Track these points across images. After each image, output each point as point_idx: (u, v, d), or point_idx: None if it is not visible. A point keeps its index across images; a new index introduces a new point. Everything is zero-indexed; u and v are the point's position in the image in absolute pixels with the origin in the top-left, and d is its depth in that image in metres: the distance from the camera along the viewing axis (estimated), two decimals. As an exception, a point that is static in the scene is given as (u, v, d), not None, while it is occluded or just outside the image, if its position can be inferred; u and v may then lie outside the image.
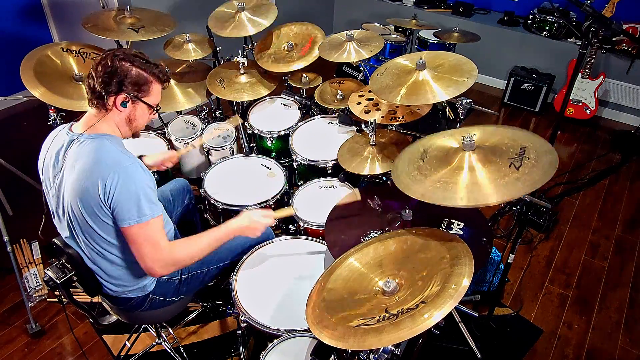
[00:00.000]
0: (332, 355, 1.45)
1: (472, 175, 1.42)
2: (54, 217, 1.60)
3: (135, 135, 1.64)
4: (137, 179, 1.44)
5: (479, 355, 2.04)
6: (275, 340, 1.60)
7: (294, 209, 2.01)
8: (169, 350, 2.12)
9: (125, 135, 1.60)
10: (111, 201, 1.42)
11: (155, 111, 1.61)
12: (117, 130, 1.56)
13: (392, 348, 1.30)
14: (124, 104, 1.50)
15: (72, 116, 1.91)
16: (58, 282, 1.56)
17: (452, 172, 1.46)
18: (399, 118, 2.27)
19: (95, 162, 1.43)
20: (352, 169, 2.11)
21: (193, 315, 2.32)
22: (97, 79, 1.46)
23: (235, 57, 2.78)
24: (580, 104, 3.97)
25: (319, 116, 2.78)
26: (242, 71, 2.78)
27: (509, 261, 1.93)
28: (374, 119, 2.11)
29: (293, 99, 2.84)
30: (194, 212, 2.30)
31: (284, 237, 2.02)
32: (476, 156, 1.47)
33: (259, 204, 2.23)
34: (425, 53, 2.22)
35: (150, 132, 2.78)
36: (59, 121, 2.43)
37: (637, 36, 3.81)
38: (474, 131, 1.56)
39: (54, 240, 1.60)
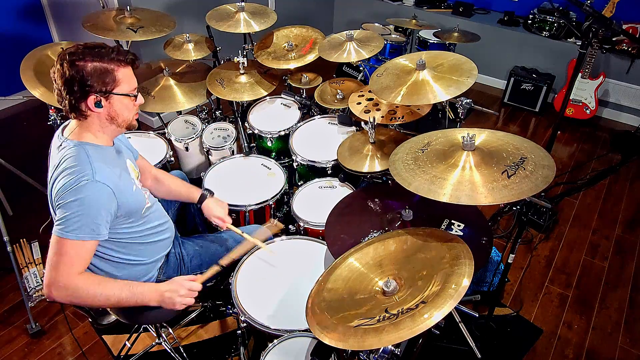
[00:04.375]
0: (332, 355, 1.45)
1: (463, 174, 1.44)
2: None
3: (129, 128, 1.54)
4: (92, 195, 1.35)
5: (479, 355, 2.03)
6: (275, 340, 1.59)
7: (219, 266, 1.76)
8: (169, 350, 2.12)
9: (115, 133, 1.53)
10: (56, 203, 1.37)
11: (134, 97, 1.49)
12: (101, 136, 1.48)
13: (392, 348, 1.30)
14: (97, 105, 1.41)
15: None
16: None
17: (445, 168, 1.48)
18: (399, 118, 2.27)
19: (63, 167, 1.39)
20: (352, 166, 2.11)
21: (193, 315, 2.32)
22: (60, 91, 1.39)
23: (235, 57, 2.78)
24: (580, 104, 3.97)
25: (319, 116, 2.78)
26: (242, 71, 2.78)
27: (509, 261, 1.93)
28: (374, 117, 2.12)
29: (293, 99, 2.84)
30: (195, 214, 2.29)
31: (284, 237, 2.02)
32: (474, 157, 1.48)
33: (258, 204, 2.23)
34: (425, 53, 2.22)
35: (150, 132, 2.78)
36: (59, 121, 2.43)
37: (637, 36, 3.81)
38: (483, 133, 1.59)
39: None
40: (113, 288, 1.45)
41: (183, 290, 1.55)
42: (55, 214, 1.38)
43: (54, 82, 1.40)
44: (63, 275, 1.36)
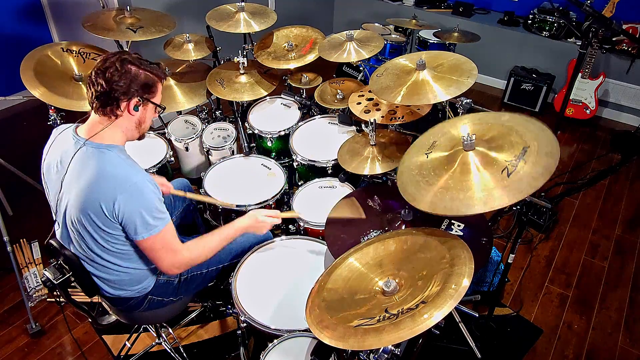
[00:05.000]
0: (332, 355, 1.45)
1: (463, 180, 1.40)
2: (55, 215, 1.60)
3: (141, 137, 1.62)
4: (146, 194, 1.45)
5: (479, 355, 2.04)
6: (275, 340, 1.59)
7: (298, 213, 2.08)
8: (169, 350, 2.13)
9: (131, 138, 1.58)
10: (121, 218, 1.43)
11: (161, 110, 1.61)
12: (122, 137, 1.53)
13: (392, 348, 1.30)
14: (136, 108, 1.49)
15: (71, 116, 1.91)
16: (55, 282, 1.55)
17: (450, 177, 1.43)
18: (399, 118, 2.27)
19: (102, 177, 1.42)
20: (352, 169, 2.11)
21: (193, 315, 2.32)
22: (108, 84, 1.42)
23: (235, 57, 2.78)
24: (580, 104, 3.97)
25: (319, 116, 2.78)
26: (242, 71, 2.78)
27: (509, 261, 1.93)
28: (374, 119, 2.11)
29: (293, 99, 2.84)
30: (195, 212, 2.30)
31: (284, 237, 2.02)
32: (473, 157, 1.44)
33: (258, 203, 2.23)
34: (425, 53, 2.22)
35: (150, 132, 2.78)
36: (59, 121, 2.43)
37: (637, 36, 3.81)
38: (489, 117, 1.57)
39: (50, 241, 1.60)
40: (213, 241, 1.67)
41: (262, 214, 1.82)
42: (114, 221, 1.45)
43: (100, 76, 1.43)
44: (175, 256, 1.54)
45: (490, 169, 1.40)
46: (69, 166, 1.47)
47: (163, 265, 1.54)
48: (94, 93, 1.45)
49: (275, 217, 1.85)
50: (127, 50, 1.50)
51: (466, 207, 1.33)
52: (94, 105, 1.47)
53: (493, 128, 1.54)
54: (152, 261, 1.55)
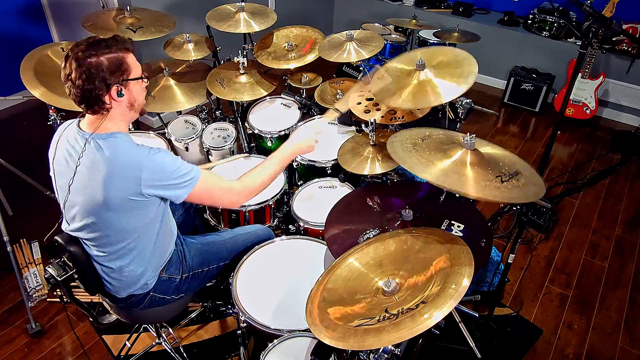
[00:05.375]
0: (332, 355, 1.45)
1: (457, 165, 1.49)
2: (63, 210, 1.60)
3: (142, 112, 1.61)
4: (166, 159, 1.49)
5: (479, 355, 2.04)
6: (275, 340, 1.59)
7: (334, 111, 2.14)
8: (169, 350, 2.13)
9: (132, 119, 1.58)
10: (157, 193, 1.48)
11: (145, 79, 1.56)
12: (122, 124, 1.54)
13: (392, 348, 1.30)
14: (119, 94, 1.46)
15: (72, 116, 1.91)
16: (59, 279, 1.55)
17: (442, 156, 1.53)
18: (399, 118, 2.27)
19: (118, 166, 1.43)
20: (353, 169, 2.11)
21: (193, 315, 2.32)
22: (80, 89, 1.41)
23: (235, 57, 2.78)
24: (580, 104, 3.97)
25: (318, 116, 2.77)
26: (242, 71, 2.78)
27: (509, 261, 1.93)
28: (374, 119, 2.11)
29: (293, 99, 2.84)
30: (195, 216, 2.30)
31: (284, 237, 2.02)
32: (471, 156, 1.52)
33: (258, 204, 2.23)
34: (419, 51, 2.21)
35: (150, 132, 2.78)
36: (59, 121, 2.42)
37: (637, 36, 3.81)
38: (486, 146, 1.64)
39: (56, 237, 1.60)
40: (266, 169, 1.73)
41: (309, 134, 1.88)
42: (148, 197, 1.48)
43: (69, 83, 1.42)
44: (231, 192, 1.65)
45: (485, 170, 1.47)
46: (80, 162, 1.47)
47: (225, 203, 1.66)
48: (74, 99, 1.45)
49: (315, 128, 1.91)
50: (77, 41, 1.44)
51: (459, 185, 1.42)
52: (82, 107, 1.47)
53: (490, 150, 1.65)
54: (214, 206, 1.62)
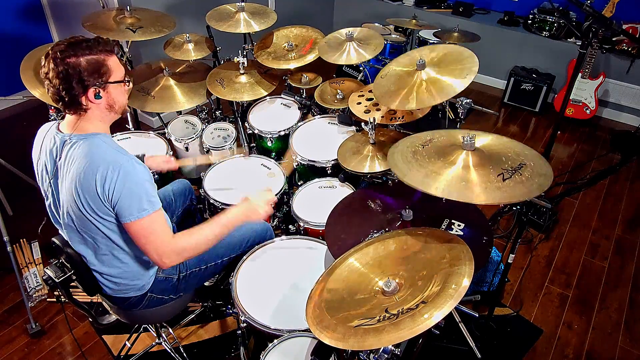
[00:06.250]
0: (332, 355, 1.45)
1: (461, 171, 1.45)
2: (52, 217, 1.60)
3: (124, 113, 1.59)
4: (135, 176, 1.42)
5: (479, 355, 2.04)
6: (275, 340, 1.59)
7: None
8: (169, 350, 2.12)
9: (111, 121, 1.55)
10: (111, 198, 1.40)
11: (127, 82, 1.53)
12: (102, 125, 1.51)
13: (392, 348, 1.30)
14: (97, 96, 1.43)
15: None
16: (57, 280, 1.55)
17: (442, 165, 1.49)
18: (398, 118, 2.27)
19: (92, 162, 1.40)
20: (352, 167, 2.11)
21: (193, 315, 2.32)
22: (57, 89, 1.40)
23: (235, 57, 2.78)
24: (580, 104, 3.97)
25: (319, 116, 2.78)
26: (242, 71, 2.78)
27: (509, 261, 1.93)
28: (374, 117, 2.12)
29: (293, 99, 2.84)
30: (195, 213, 2.30)
31: (284, 237, 2.02)
32: (472, 157, 1.48)
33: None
34: (417, 51, 2.21)
35: (150, 132, 2.78)
36: (59, 121, 2.42)
37: (637, 36, 3.81)
38: (488, 136, 1.60)
39: (53, 239, 1.60)
40: (206, 230, 1.58)
41: (262, 202, 1.74)
42: (107, 204, 1.42)
43: (47, 81, 1.41)
44: (165, 244, 1.47)
45: (486, 170, 1.43)
46: (60, 164, 1.47)
47: (152, 254, 1.47)
48: (51, 98, 1.44)
49: (268, 197, 1.78)
50: (58, 40, 1.43)
51: (466, 196, 1.37)
52: (59, 106, 1.46)
53: (492, 144, 1.59)
54: (142, 249, 1.48)
